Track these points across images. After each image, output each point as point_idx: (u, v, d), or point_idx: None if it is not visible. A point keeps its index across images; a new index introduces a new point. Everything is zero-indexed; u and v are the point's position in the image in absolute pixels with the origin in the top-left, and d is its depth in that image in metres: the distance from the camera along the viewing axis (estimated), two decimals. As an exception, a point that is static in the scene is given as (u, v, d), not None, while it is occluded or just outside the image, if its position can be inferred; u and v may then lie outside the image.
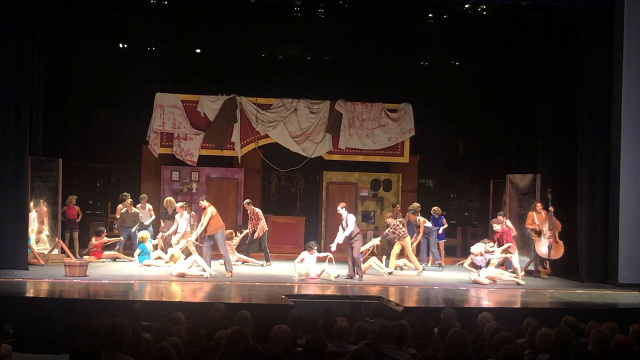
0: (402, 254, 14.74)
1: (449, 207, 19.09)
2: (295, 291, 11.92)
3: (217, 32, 16.32)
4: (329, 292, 12.07)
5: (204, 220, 13.31)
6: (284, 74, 17.89)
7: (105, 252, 15.24)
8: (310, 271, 13.13)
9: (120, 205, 15.76)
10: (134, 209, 15.62)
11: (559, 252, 14.40)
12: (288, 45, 16.84)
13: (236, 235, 15.68)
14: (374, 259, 14.28)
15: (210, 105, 17.46)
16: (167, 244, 14.79)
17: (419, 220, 15.45)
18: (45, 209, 14.69)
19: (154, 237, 15.43)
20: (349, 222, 13.38)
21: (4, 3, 13.27)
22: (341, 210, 13.53)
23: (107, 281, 12.20)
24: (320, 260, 13.42)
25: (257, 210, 15.60)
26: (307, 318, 7.70)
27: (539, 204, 14.72)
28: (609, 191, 14.07)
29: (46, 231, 14.75)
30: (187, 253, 13.96)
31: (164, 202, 15.77)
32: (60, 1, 14.80)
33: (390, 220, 14.53)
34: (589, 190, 14.13)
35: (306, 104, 17.74)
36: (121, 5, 14.89)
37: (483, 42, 16.83)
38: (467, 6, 14.20)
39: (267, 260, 15.38)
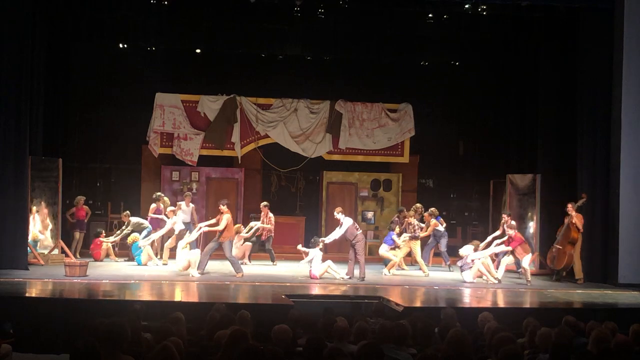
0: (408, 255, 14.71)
1: (449, 207, 19.09)
2: (295, 291, 11.91)
3: (217, 32, 16.33)
4: (329, 292, 12.07)
5: (221, 225, 13.14)
6: (284, 74, 17.87)
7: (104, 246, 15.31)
8: (314, 269, 13.14)
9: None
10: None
11: (562, 261, 14.01)
12: (288, 45, 16.85)
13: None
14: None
15: (210, 105, 17.46)
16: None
17: (431, 222, 15.30)
18: (45, 209, 14.70)
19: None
20: (344, 223, 13.31)
21: (4, 3, 13.27)
22: (338, 215, 13.47)
23: (107, 281, 12.21)
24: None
25: (271, 215, 15.74)
26: (307, 318, 7.70)
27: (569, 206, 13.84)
28: (609, 191, 14.06)
29: (46, 231, 14.76)
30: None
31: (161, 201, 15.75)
32: (60, 1, 14.81)
33: (411, 220, 14.51)
34: (589, 191, 14.11)
35: (306, 104, 17.74)
36: (121, 5, 14.93)
37: (483, 42, 16.83)
38: (467, 6, 14.23)
39: (273, 260, 15.62)
